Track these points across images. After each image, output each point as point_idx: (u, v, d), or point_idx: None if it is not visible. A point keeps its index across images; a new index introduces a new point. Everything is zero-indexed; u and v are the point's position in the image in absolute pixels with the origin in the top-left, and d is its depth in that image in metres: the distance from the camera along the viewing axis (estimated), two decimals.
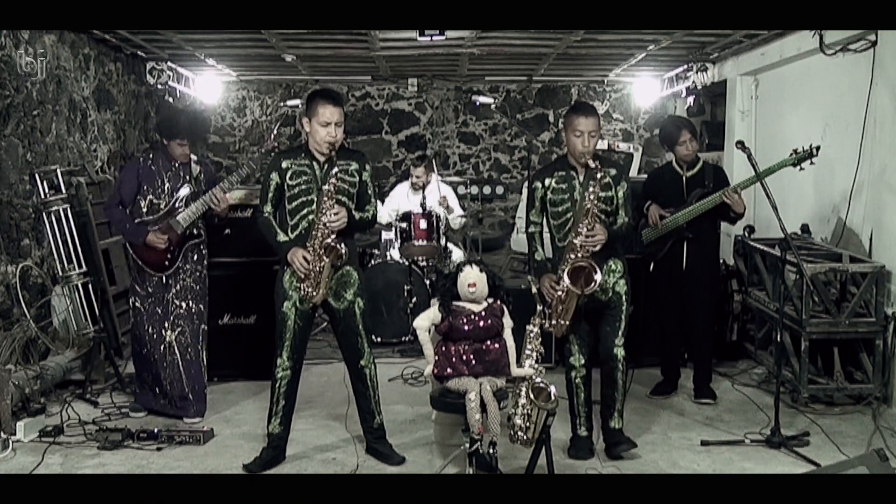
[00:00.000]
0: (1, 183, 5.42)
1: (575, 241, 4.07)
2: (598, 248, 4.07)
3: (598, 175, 4.04)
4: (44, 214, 5.69)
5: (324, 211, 3.99)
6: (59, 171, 5.81)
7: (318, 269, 4.01)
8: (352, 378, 4.35)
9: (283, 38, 6.98)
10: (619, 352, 4.25)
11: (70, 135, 6.58)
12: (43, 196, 5.67)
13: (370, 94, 10.23)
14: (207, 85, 9.10)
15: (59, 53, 6.40)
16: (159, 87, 8.01)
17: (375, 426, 4.35)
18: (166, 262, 4.83)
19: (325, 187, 4.00)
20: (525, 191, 8.44)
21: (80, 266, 5.76)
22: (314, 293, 4.06)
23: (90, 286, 5.79)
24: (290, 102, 8.56)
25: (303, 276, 4.04)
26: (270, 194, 4.15)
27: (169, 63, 7.96)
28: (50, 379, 5.18)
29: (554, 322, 4.13)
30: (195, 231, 4.89)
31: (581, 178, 4.20)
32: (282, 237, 4.12)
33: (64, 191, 5.78)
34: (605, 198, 4.17)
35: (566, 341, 4.32)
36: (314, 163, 4.11)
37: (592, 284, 4.01)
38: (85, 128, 6.94)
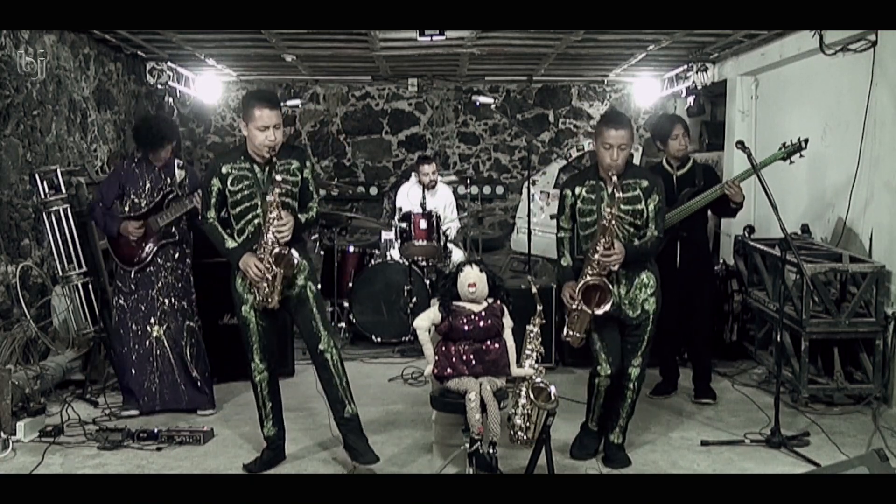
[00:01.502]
0: (1, 183, 5.42)
1: (592, 257, 3.97)
2: (615, 266, 3.97)
3: (618, 195, 3.90)
4: (44, 214, 5.68)
5: (270, 221, 3.90)
6: (59, 171, 5.81)
7: (271, 276, 3.94)
8: (315, 367, 4.19)
9: (283, 38, 6.98)
10: (635, 372, 4.16)
11: (70, 135, 6.58)
12: (43, 196, 5.67)
13: (370, 94, 10.23)
14: (207, 85, 9.10)
15: (59, 53, 6.40)
16: (159, 87, 8.01)
17: (347, 416, 4.14)
18: (136, 259, 4.97)
19: (269, 198, 3.88)
20: (525, 191, 8.46)
21: (80, 266, 5.76)
22: (269, 300, 3.98)
23: (90, 286, 5.79)
24: (289, 102, 8.56)
25: (256, 283, 3.96)
26: (213, 200, 4.04)
27: (169, 63, 7.97)
28: (50, 379, 5.18)
29: (570, 333, 4.07)
30: (172, 230, 5.01)
31: (609, 189, 4.00)
32: (230, 243, 4.03)
33: (64, 191, 5.77)
34: (634, 211, 4.02)
35: (593, 350, 4.18)
36: (255, 166, 4.00)
37: (604, 305, 3.93)
38: (85, 128, 6.94)
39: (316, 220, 4.28)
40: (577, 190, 4.14)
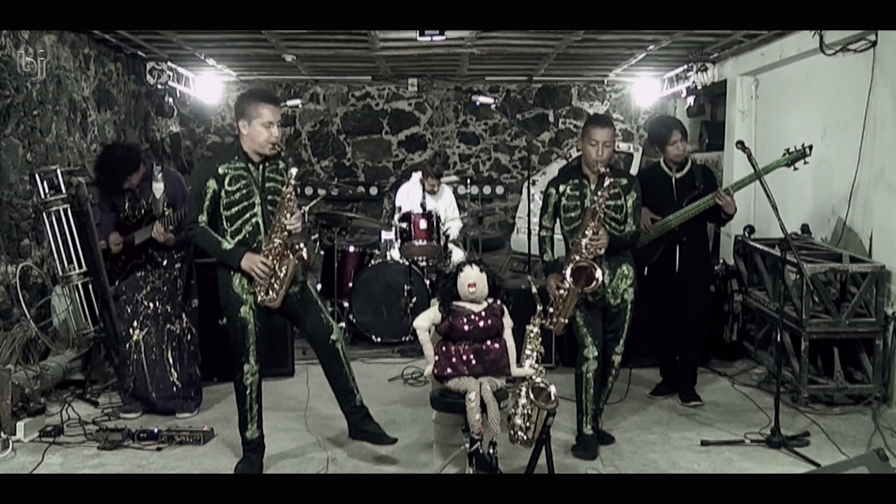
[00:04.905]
0: (1, 183, 5.42)
1: (581, 242, 4.19)
2: (601, 251, 4.18)
3: (607, 182, 4.18)
4: (44, 214, 5.69)
5: (285, 214, 3.92)
6: (59, 171, 5.81)
7: (281, 273, 3.93)
8: (323, 360, 4.21)
9: (283, 38, 6.98)
10: (617, 359, 4.46)
11: (70, 135, 6.58)
12: (43, 196, 5.67)
13: (370, 94, 10.23)
14: (207, 85, 9.10)
15: (59, 53, 6.40)
16: (159, 87, 8.01)
17: (358, 404, 4.24)
18: (116, 270, 5.13)
19: (286, 190, 3.94)
20: (525, 191, 8.46)
21: (80, 266, 5.76)
22: (275, 297, 3.94)
23: (90, 286, 5.79)
24: (290, 102, 8.55)
25: (262, 281, 3.93)
26: (206, 203, 3.97)
27: (169, 63, 7.97)
28: (50, 379, 5.18)
29: (554, 320, 4.22)
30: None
31: (593, 186, 4.34)
32: (227, 245, 3.96)
33: (64, 191, 5.77)
34: (615, 206, 4.31)
35: (579, 334, 4.35)
36: (249, 165, 4.00)
37: (593, 284, 4.13)
38: (85, 128, 6.94)
39: None
40: (562, 188, 4.44)
